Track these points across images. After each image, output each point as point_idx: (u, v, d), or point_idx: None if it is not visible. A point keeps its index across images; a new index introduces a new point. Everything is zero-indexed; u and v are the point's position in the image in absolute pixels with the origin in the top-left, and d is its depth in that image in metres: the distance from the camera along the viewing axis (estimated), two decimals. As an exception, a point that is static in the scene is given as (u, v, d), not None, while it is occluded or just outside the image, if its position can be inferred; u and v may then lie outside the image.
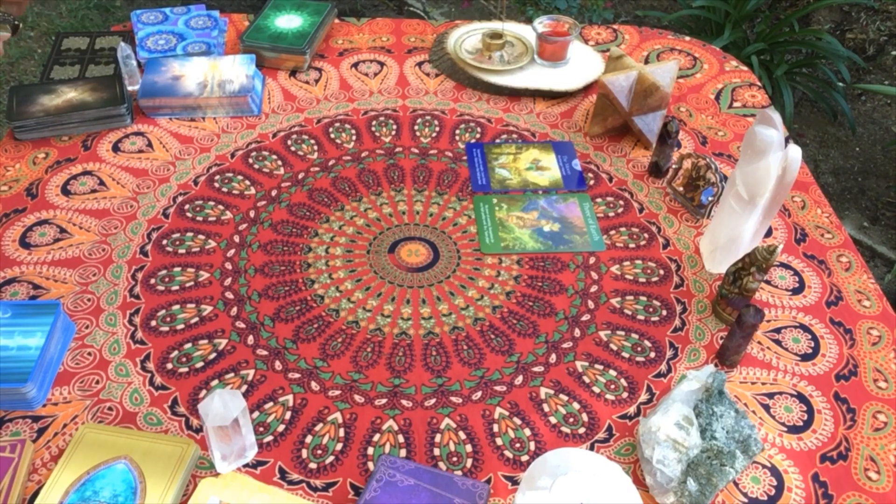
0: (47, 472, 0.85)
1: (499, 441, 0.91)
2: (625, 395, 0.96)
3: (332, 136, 1.31)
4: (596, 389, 0.96)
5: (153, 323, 1.02)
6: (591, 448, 0.90)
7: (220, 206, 1.18)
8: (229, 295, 1.06)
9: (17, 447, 0.85)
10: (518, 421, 0.93)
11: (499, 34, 1.46)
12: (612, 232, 1.16)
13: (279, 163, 1.26)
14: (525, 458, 0.89)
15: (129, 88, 1.36)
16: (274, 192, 1.21)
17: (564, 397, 0.95)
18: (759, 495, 0.86)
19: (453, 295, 1.07)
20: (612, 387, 0.97)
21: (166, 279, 1.07)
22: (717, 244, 1.07)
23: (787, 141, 1.15)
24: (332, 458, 0.89)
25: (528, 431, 0.92)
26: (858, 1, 2.71)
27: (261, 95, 1.38)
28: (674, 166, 1.22)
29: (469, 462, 0.89)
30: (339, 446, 0.90)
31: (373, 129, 1.33)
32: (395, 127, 1.33)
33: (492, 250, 1.13)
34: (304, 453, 0.89)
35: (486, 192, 1.22)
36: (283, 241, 1.14)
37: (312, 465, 0.88)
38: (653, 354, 1.00)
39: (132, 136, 1.30)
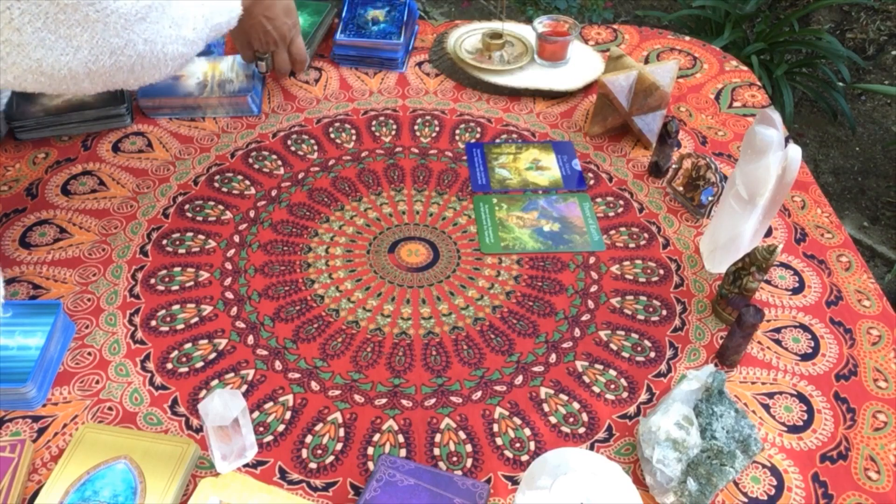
0: (47, 472, 0.85)
1: (499, 441, 0.91)
2: (625, 394, 0.96)
3: (332, 135, 1.31)
4: (596, 389, 0.96)
5: (153, 323, 1.02)
6: (591, 448, 0.90)
7: (220, 206, 1.18)
8: (229, 295, 1.06)
9: (17, 447, 0.85)
10: (518, 421, 0.93)
11: (499, 34, 1.46)
12: (612, 232, 1.16)
13: (279, 163, 1.26)
14: (525, 457, 0.89)
15: (129, 88, 1.36)
16: (274, 192, 1.21)
17: (564, 397, 0.95)
18: (759, 495, 0.86)
19: (453, 295, 1.07)
20: (612, 387, 0.97)
21: (166, 279, 1.07)
22: (717, 244, 1.07)
23: (787, 141, 1.15)
24: (332, 457, 0.89)
25: (528, 431, 0.92)
26: (858, 1, 2.71)
27: (261, 95, 1.38)
28: (674, 166, 1.22)
29: (469, 462, 0.89)
30: (339, 446, 0.90)
31: (373, 128, 1.33)
32: (395, 127, 1.33)
33: (492, 250, 1.13)
34: (304, 453, 0.89)
35: (486, 191, 1.22)
36: (283, 240, 1.14)
37: (312, 465, 0.88)
38: (653, 354, 1.00)
39: (132, 136, 1.30)
